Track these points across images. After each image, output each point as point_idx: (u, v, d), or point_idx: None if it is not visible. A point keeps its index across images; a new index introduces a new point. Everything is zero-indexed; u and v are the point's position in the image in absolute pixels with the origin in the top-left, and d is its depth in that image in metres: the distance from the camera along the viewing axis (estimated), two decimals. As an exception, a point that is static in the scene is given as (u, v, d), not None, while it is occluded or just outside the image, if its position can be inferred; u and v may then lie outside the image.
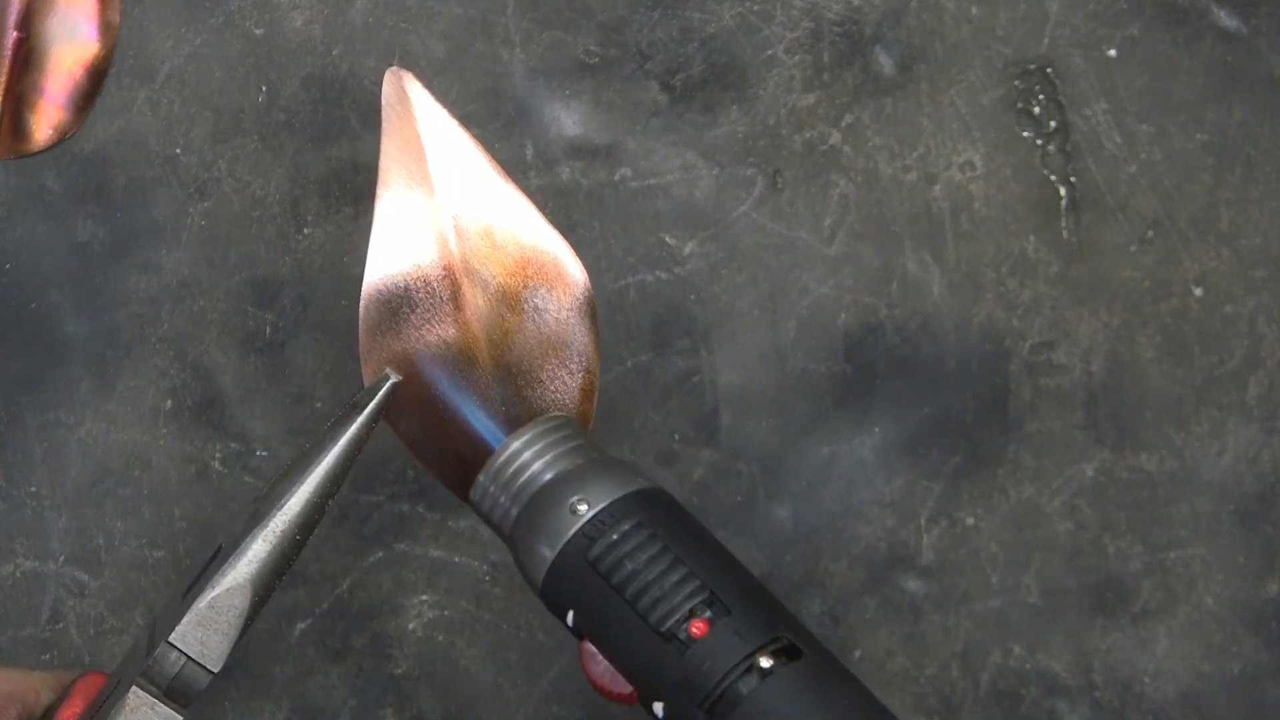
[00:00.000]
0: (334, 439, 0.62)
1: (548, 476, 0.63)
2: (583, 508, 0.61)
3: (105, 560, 0.81)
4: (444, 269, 0.68)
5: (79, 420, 0.81)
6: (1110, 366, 0.80)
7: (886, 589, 0.80)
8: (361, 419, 0.62)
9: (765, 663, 0.57)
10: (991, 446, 0.80)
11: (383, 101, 0.66)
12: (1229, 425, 0.80)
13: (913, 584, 0.80)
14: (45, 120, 0.80)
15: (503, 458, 0.64)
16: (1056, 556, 0.80)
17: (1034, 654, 0.80)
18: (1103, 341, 0.80)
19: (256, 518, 0.61)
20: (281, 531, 0.61)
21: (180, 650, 0.61)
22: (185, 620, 0.61)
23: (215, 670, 0.61)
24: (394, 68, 0.66)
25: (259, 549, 0.61)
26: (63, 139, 0.81)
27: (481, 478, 0.64)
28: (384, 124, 0.66)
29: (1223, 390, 0.80)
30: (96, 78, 0.80)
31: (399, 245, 0.67)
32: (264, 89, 0.80)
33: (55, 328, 0.81)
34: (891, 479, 0.80)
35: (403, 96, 0.66)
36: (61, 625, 0.81)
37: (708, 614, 0.58)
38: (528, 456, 0.64)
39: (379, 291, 0.67)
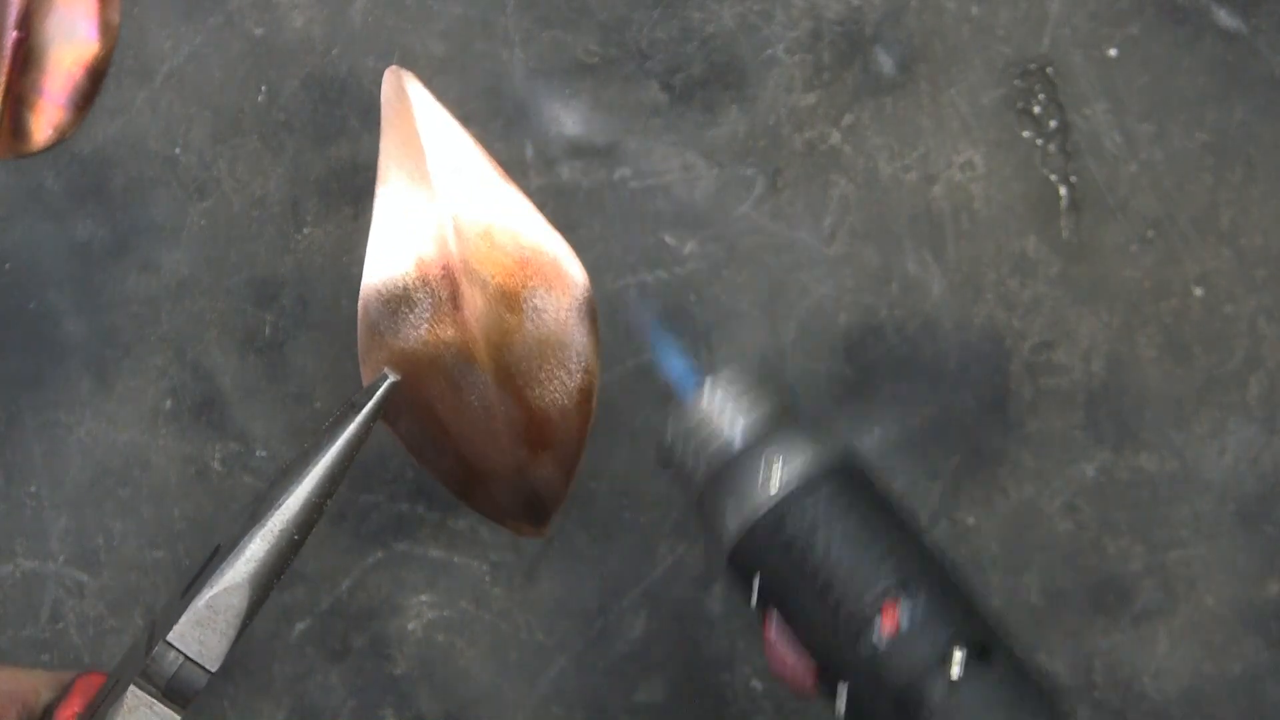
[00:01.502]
0: (332, 439, 0.62)
1: (739, 444, 0.61)
2: (775, 482, 0.59)
3: (105, 560, 0.81)
4: (443, 269, 0.68)
5: (78, 420, 0.81)
6: (1110, 366, 0.80)
7: (886, 589, 0.80)
8: (359, 419, 0.62)
9: (956, 664, 0.57)
10: (991, 446, 0.80)
11: (382, 101, 0.66)
12: (1229, 425, 0.80)
13: (913, 584, 0.80)
14: (45, 120, 0.80)
15: (694, 419, 0.62)
16: (1056, 556, 0.80)
17: (1034, 654, 0.80)
18: (1103, 341, 0.80)
19: (255, 517, 0.61)
20: (279, 531, 0.61)
21: (178, 649, 0.61)
22: (183, 619, 0.61)
23: (213, 670, 0.61)
24: (393, 67, 0.66)
25: (257, 548, 0.61)
26: (62, 139, 0.81)
27: (670, 434, 0.62)
28: (383, 123, 0.66)
29: (1223, 390, 0.80)
30: (96, 77, 0.80)
31: (398, 245, 0.67)
32: (264, 89, 0.80)
33: (55, 328, 0.81)
34: (891, 479, 0.80)
35: (402, 96, 0.66)
36: (61, 625, 0.81)
37: (899, 604, 0.57)
38: (719, 420, 0.62)
39: (378, 291, 0.67)
